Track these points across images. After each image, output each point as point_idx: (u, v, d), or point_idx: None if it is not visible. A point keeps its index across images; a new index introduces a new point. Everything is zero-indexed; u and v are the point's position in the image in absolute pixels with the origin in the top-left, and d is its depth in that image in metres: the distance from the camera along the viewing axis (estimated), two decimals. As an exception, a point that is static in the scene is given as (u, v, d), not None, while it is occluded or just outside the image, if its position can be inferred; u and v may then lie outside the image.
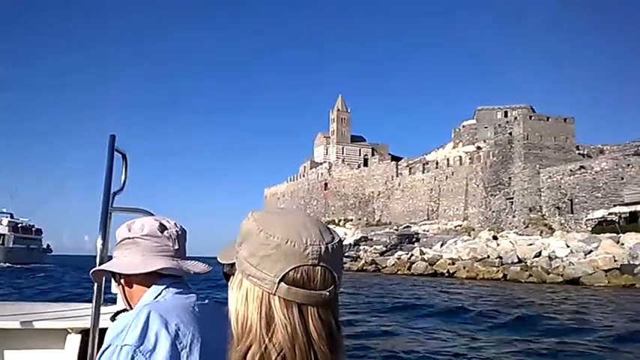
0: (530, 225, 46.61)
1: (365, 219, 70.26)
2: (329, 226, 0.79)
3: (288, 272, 0.71)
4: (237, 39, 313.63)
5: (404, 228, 61.72)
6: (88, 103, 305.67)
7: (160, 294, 1.30)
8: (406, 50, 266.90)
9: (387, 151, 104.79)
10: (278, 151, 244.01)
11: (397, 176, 67.51)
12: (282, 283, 0.71)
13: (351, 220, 71.92)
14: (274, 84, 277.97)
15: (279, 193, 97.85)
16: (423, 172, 64.05)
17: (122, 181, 2.26)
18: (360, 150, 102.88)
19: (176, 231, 1.41)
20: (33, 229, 65.09)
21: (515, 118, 51.58)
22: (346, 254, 58.89)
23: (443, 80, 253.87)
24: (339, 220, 73.21)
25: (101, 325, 1.80)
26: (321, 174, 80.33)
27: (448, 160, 61.94)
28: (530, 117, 51.32)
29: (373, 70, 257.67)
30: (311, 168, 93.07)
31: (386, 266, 45.41)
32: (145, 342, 1.08)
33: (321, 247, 0.73)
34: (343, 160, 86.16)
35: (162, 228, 1.39)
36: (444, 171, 61.09)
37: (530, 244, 36.04)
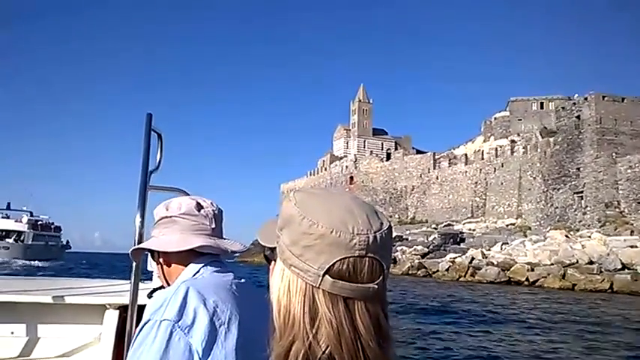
0: (607, 223, 39.29)
1: (397, 216, 63.06)
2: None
3: (333, 264, 0.65)
4: (249, 26, 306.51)
5: (444, 226, 54.54)
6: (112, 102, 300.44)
7: (197, 272, 1.30)
8: (430, 39, 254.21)
9: (411, 144, 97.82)
10: (293, 145, 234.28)
11: (435, 168, 60.26)
12: (327, 276, 0.65)
13: (381, 217, 64.75)
14: (290, 73, 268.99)
15: (297, 188, 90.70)
16: (466, 164, 56.67)
17: (158, 161, 2.29)
18: (382, 143, 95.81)
19: (212, 210, 1.41)
20: (52, 226, 66.26)
21: (586, 98, 44.04)
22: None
23: (470, 71, 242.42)
24: (367, 218, 66.12)
25: (139, 301, 1.84)
26: (346, 167, 73.23)
27: (496, 149, 54.49)
28: (603, 97, 43.79)
29: (395, 60, 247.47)
30: (331, 162, 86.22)
31: (437, 270, 38.20)
32: (184, 317, 1.09)
33: (369, 237, 0.66)
34: (371, 153, 78.84)
35: (199, 207, 1.39)
36: (492, 162, 53.69)
37: (633, 247, 28.75)
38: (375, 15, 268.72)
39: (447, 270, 37.20)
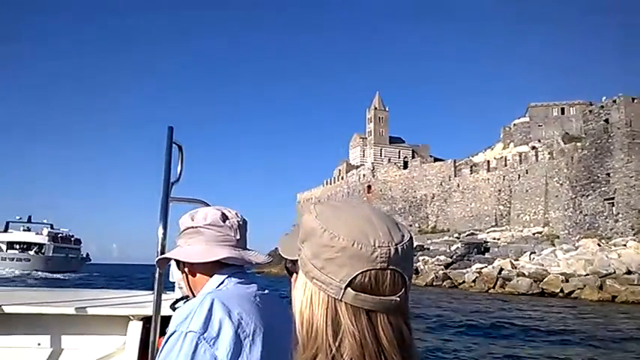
0: (641, 231, 37.47)
1: (417, 225, 61.55)
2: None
3: (355, 277, 0.65)
4: (263, 35, 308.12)
5: (467, 235, 52.92)
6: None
7: (222, 283, 1.33)
8: (444, 46, 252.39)
9: (429, 152, 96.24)
10: (307, 155, 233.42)
11: (456, 176, 58.70)
12: (349, 289, 0.65)
13: (400, 226, 63.19)
14: (303, 81, 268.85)
15: (313, 198, 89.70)
16: (488, 171, 55.08)
17: (179, 172, 2.33)
18: (399, 151, 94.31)
19: (237, 221, 1.43)
20: (72, 238, 67.36)
21: (614, 101, 42.34)
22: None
23: (486, 77, 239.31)
24: (386, 227, 64.62)
25: (162, 312, 1.88)
26: (363, 175, 72.00)
27: (520, 155, 52.83)
28: (633, 99, 42.06)
29: (410, 68, 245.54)
30: (347, 171, 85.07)
31: (464, 281, 36.65)
32: (209, 329, 1.11)
33: (390, 249, 0.66)
34: (389, 161, 77.51)
35: (224, 218, 1.41)
36: (516, 169, 52.06)
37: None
38: (388, 24, 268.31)
39: (474, 281, 35.64)
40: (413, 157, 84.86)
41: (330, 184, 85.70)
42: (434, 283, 38.76)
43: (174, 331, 1.11)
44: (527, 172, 50.86)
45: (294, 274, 0.75)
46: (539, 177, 49.48)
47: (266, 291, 1.36)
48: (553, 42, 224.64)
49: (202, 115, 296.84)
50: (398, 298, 0.67)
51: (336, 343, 0.65)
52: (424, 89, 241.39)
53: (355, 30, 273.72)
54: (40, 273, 49.99)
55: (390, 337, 0.66)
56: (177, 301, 1.52)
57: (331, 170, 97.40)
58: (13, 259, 53.44)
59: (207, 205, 2.02)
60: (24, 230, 59.08)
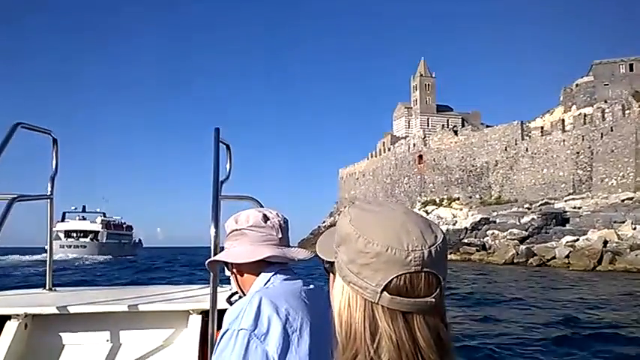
0: None
1: (478, 196, 55.22)
2: (429, 217, 0.55)
3: (390, 281, 0.68)
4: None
5: (540, 205, 46.30)
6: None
7: (268, 280, 1.40)
8: (492, 4, 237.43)
9: (480, 120, 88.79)
10: (348, 129, 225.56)
11: (523, 139, 51.69)
12: (385, 293, 0.68)
13: (458, 198, 56.97)
14: (340, 48, 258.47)
15: (357, 172, 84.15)
16: (564, 131, 47.93)
17: (228, 170, 2.48)
18: (448, 120, 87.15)
19: (278, 221, 1.49)
20: (124, 225, 71.82)
21: None
22: (465, 240, 44.49)
23: (540, 37, 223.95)
24: (442, 200, 58.59)
25: (218, 306, 1.99)
26: (414, 145, 65.72)
27: (603, 111, 45.48)
28: None
29: (456, 31, 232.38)
30: (392, 143, 78.86)
31: (554, 257, 30.54)
32: (259, 326, 1.18)
33: (424, 252, 0.69)
34: (442, 127, 70.84)
35: (266, 219, 1.48)
36: (598, 127, 44.82)
37: None
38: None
39: (568, 257, 29.51)
40: (463, 125, 77.82)
41: (375, 157, 79.76)
42: (515, 261, 32.78)
43: (227, 329, 1.19)
44: (612, 130, 43.61)
45: (332, 275, 0.78)
46: (628, 135, 42.25)
47: (311, 286, 1.42)
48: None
49: (241, 100, 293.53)
50: (433, 299, 0.69)
51: (374, 345, 0.68)
52: (472, 53, 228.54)
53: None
54: (99, 257, 53.13)
55: (427, 337, 0.68)
56: (232, 294, 1.60)
57: (374, 144, 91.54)
58: (70, 247, 57.06)
59: (256, 200, 2.34)
60: (79, 219, 63.22)
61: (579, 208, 42.81)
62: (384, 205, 0.76)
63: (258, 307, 1.21)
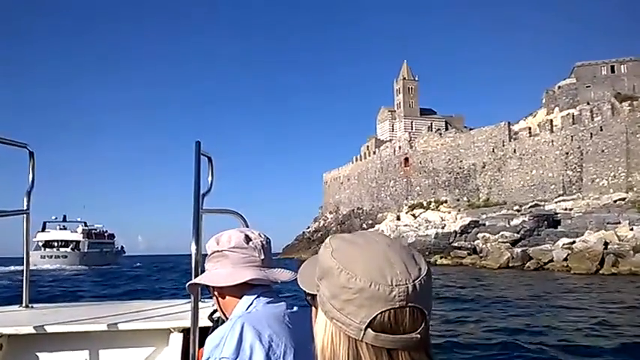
0: None
1: (465, 199, 54.21)
2: (415, 256, 0.70)
3: (374, 318, 0.66)
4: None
5: (530, 207, 45.43)
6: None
7: (251, 304, 1.37)
8: (472, 10, 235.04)
9: (463, 123, 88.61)
10: (331, 133, 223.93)
11: (511, 140, 50.90)
12: (369, 330, 0.66)
13: (446, 201, 55.92)
14: (324, 54, 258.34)
15: (342, 177, 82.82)
16: (552, 132, 47.24)
17: (209, 183, 2.42)
18: (432, 124, 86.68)
19: (261, 241, 1.47)
20: (106, 234, 70.87)
21: None
22: (455, 244, 43.30)
23: (521, 41, 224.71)
24: (429, 203, 57.42)
25: (200, 324, 1.92)
26: (399, 147, 64.58)
27: (592, 110, 44.90)
28: None
29: (437, 35, 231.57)
30: (376, 147, 77.80)
31: (550, 260, 29.44)
32: (241, 354, 1.17)
33: (408, 287, 0.66)
34: (429, 129, 70.07)
35: (248, 239, 1.45)
36: (587, 126, 44.19)
37: None
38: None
39: (566, 259, 28.44)
40: (447, 128, 77.57)
41: (360, 160, 78.58)
42: (510, 264, 31.60)
43: (209, 357, 1.19)
44: (601, 130, 42.99)
45: (315, 308, 0.75)
46: (618, 134, 41.64)
47: (295, 308, 1.39)
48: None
49: (221, 109, 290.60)
50: (418, 335, 0.67)
51: None
52: (453, 57, 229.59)
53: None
54: (79, 267, 52.04)
55: None
56: (214, 311, 1.54)
57: (358, 148, 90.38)
58: (51, 257, 55.91)
59: (239, 214, 2.24)
60: (60, 229, 61.95)
61: (571, 209, 41.98)
62: (366, 236, 0.74)
63: (240, 334, 1.18)
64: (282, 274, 1.43)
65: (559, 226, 39.32)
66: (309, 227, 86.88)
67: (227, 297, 1.42)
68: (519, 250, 32.82)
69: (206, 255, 1.53)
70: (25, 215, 3.02)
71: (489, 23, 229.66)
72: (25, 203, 3.03)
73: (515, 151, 50.10)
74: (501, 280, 23.48)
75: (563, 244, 30.56)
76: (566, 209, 42.18)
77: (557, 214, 41.65)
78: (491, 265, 32.10)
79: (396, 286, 0.66)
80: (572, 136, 45.50)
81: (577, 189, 44.91)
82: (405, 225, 53.43)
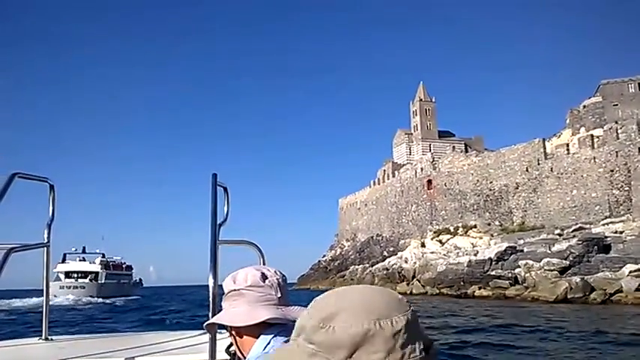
0: None
1: (497, 223, 49.93)
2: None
3: None
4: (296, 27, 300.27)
5: (574, 230, 41.11)
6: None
7: (268, 344, 1.38)
8: (491, 22, 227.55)
9: (483, 145, 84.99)
10: (345, 160, 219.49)
11: (546, 158, 46.91)
12: None
13: (475, 226, 51.67)
14: (336, 75, 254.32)
15: (359, 202, 78.90)
16: (593, 148, 43.26)
17: (225, 213, 2.46)
18: (453, 147, 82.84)
19: (277, 279, 1.48)
20: (124, 265, 72.37)
21: None
22: (493, 273, 38.96)
23: (544, 58, 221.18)
24: (456, 228, 53.19)
25: (217, 357, 1.96)
26: (421, 169, 60.66)
27: (638, 124, 40.96)
28: None
29: (455, 54, 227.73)
30: (393, 171, 74.08)
31: (618, 291, 25.16)
32: None
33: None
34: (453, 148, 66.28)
35: (264, 277, 1.46)
36: (634, 141, 40.22)
37: None
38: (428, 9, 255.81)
39: (639, 290, 24.16)
40: (466, 151, 73.60)
41: (377, 185, 74.75)
42: (568, 297, 27.23)
43: None
44: (651, 144, 38.95)
45: None
46: (672, 148, 37.58)
47: None
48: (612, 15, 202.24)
49: (237, 133, 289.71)
50: None
51: None
52: (471, 77, 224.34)
53: (391, 17, 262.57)
54: (94, 299, 52.72)
55: None
56: (230, 344, 1.57)
57: (374, 172, 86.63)
58: (70, 287, 57.48)
59: (255, 244, 2.31)
60: (79, 260, 63.70)
61: (621, 232, 37.65)
62: (343, 289, 0.74)
63: None
64: (299, 312, 1.39)
65: (610, 252, 35.06)
66: (324, 256, 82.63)
67: (244, 336, 1.42)
68: (578, 279, 28.45)
69: (222, 288, 1.52)
70: (45, 248, 3.10)
71: (507, 41, 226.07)
72: (46, 236, 3.12)
73: (552, 169, 46.05)
74: (573, 319, 19.29)
75: (630, 272, 26.27)
76: (616, 232, 37.85)
77: (606, 237, 37.31)
78: (546, 297, 27.80)
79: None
80: (617, 152, 41.47)
81: (625, 209, 40.62)
82: (432, 252, 49.21)
